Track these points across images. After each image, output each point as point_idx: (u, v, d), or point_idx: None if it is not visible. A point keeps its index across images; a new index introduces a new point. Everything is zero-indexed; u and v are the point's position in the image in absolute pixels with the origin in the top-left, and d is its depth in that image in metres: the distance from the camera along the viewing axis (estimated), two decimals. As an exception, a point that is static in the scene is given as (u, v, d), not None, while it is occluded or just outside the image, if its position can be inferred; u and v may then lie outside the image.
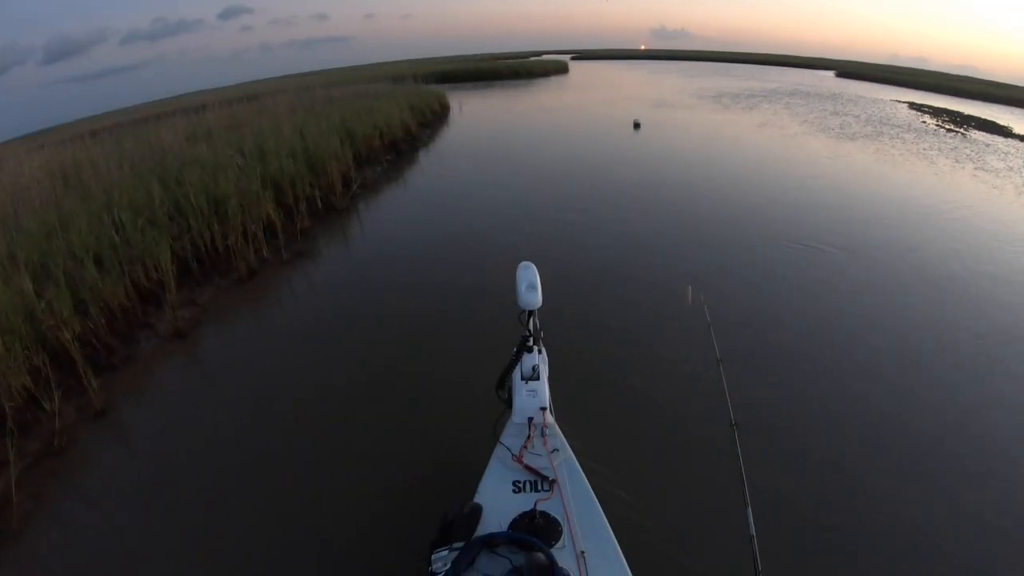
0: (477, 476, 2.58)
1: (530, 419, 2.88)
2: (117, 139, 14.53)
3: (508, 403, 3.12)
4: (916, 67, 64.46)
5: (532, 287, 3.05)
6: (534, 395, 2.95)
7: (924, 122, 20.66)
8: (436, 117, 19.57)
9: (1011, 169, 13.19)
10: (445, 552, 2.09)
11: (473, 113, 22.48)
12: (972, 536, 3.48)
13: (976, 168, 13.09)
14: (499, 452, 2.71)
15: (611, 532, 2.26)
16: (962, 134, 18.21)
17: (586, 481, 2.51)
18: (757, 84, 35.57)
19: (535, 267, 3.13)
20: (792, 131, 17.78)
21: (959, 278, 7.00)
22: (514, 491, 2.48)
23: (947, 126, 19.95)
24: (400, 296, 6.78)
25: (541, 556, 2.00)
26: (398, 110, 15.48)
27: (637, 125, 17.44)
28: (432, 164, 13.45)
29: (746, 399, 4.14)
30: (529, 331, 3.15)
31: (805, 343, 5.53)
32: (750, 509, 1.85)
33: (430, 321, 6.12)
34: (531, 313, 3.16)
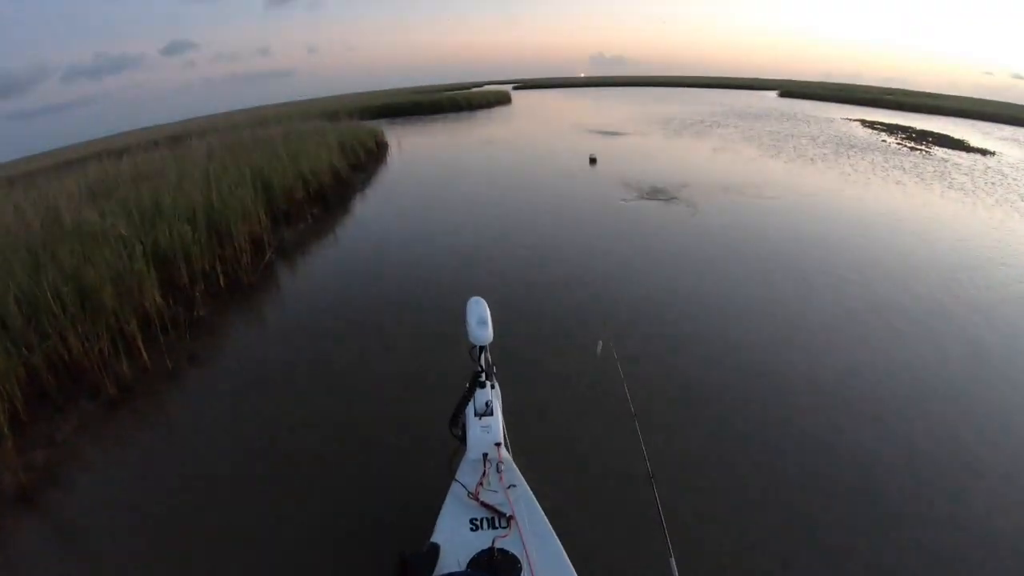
0: (434, 515, 2.49)
1: (485, 455, 2.84)
2: (26, 189, 12.78)
3: (462, 440, 3.07)
4: (852, 83, 65.79)
5: (483, 322, 3.00)
6: (488, 431, 2.91)
7: (884, 141, 20.29)
8: (371, 157, 17.78)
9: (978, 188, 13.17)
10: None
11: (413, 151, 20.65)
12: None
13: (946, 187, 13.03)
14: (455, 490, 2.66)
15: (571, 567, 2.21)
16: (924, 151, 17.84)
17: (544, 516, 2.47)
18: (704, 108, 35.31)
19: (485, 302, 3.11)
20: (748, 155, 17.26)
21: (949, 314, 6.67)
22: (472, 529, 2.43)
23: (907, 144, 19.52)
24: (333, 379, 5.63)
25: None
26: (327, 152, 13.64)
27: (593, 160, 15.89)
28: (366, 214, 11.72)
29: (661, 450, 4.05)
30: (481, 367, 3.08)
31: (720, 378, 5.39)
32: (673, 559, 1.84)
33: (374, 390, 5.38)
34: (482, 348, 3.11)
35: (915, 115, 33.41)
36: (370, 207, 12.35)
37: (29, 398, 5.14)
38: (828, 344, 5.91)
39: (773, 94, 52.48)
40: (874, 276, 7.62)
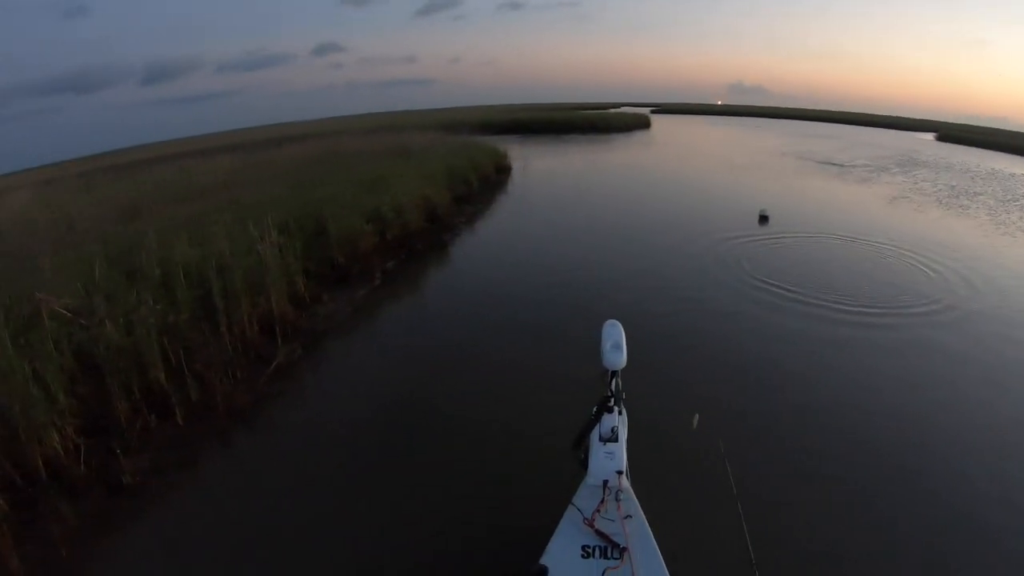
0: (546, 534, 2.43)
1: (605, 482, 2.74)
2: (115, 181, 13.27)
3: (584, 464, 2.92)
4: (998, 127, 55.79)
5: (617, 347, 2.97)
6: (611, 457, 2.79)
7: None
8: (487, 186, 14.62)
9: None
10: None
11: (540, 179, 17.13)
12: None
13: None
14: (570, 514, 2.59)
15: None
16: None
17: (659, 552, 2.36)
18: (862, 150, 29.32)
19: (621, 326, 3.07)
20: (933, 214, 13.48)
21: None
22: (583, 556, 2.38)
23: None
24: None
25: None
26: (420, 181, 10.64)
27: (764, 218, 11.73)
28: (457, 273, 8.49)
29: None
30: (611, 391, 2.99)
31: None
32: None
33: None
34: (614, 373, 3.05)
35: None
36: (466, 260, 9.12)
37: None
38: None
39: (929, 136, 45.35)
40: None
